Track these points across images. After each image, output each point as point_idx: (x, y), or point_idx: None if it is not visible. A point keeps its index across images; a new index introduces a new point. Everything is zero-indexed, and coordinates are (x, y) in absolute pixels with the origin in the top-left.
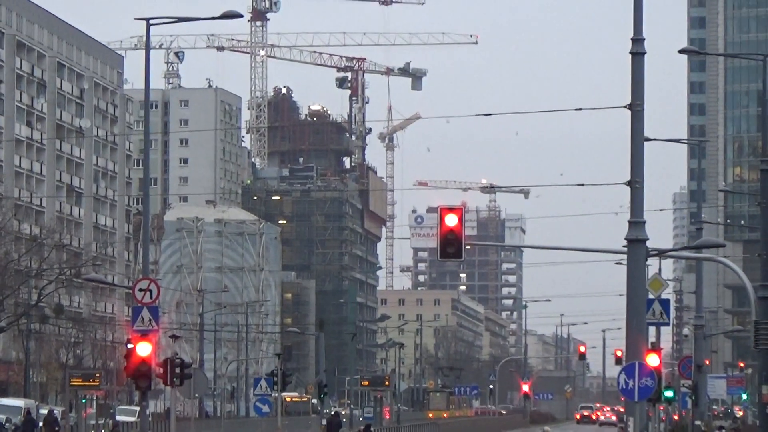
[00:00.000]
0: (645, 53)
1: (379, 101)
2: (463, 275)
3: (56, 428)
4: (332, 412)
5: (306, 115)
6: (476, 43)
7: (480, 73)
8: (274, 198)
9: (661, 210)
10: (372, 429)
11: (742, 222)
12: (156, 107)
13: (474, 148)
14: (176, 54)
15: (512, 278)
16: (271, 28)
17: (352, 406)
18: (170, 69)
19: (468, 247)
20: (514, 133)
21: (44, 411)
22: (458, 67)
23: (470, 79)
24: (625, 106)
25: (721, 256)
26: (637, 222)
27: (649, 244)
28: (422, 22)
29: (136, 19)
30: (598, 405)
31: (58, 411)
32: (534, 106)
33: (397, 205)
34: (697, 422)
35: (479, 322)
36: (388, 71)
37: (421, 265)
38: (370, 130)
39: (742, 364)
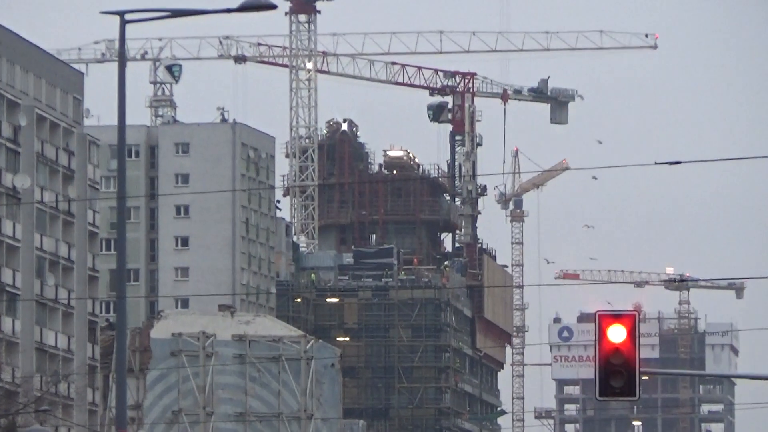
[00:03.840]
0: None
1: (496, 142)
2: (637, 423)
3: None
4: None
5: (381, 166)
6: (655, 47)
7: (658, 95)
8: (329, 300)
9: None
10: None
11: None
12: (137, 155)
13: (653, 219)
14: (169, 69)
15: (718, 428)
16: (322, 27)
17: None
18: (160, 92)
19: (646, 378)
20: (713, 193)
21: None
22: (625, 85)
23: (643, 105)
24: None
25: None
26: None
27: None
28: (563, 15)
29: (102, 13)
30: None
31: None
32: (745, 151)
33: (530, 310)
34: None
35: None
36: (511, 94)
37: (570, 408)
38: (484, 188)
39: None
